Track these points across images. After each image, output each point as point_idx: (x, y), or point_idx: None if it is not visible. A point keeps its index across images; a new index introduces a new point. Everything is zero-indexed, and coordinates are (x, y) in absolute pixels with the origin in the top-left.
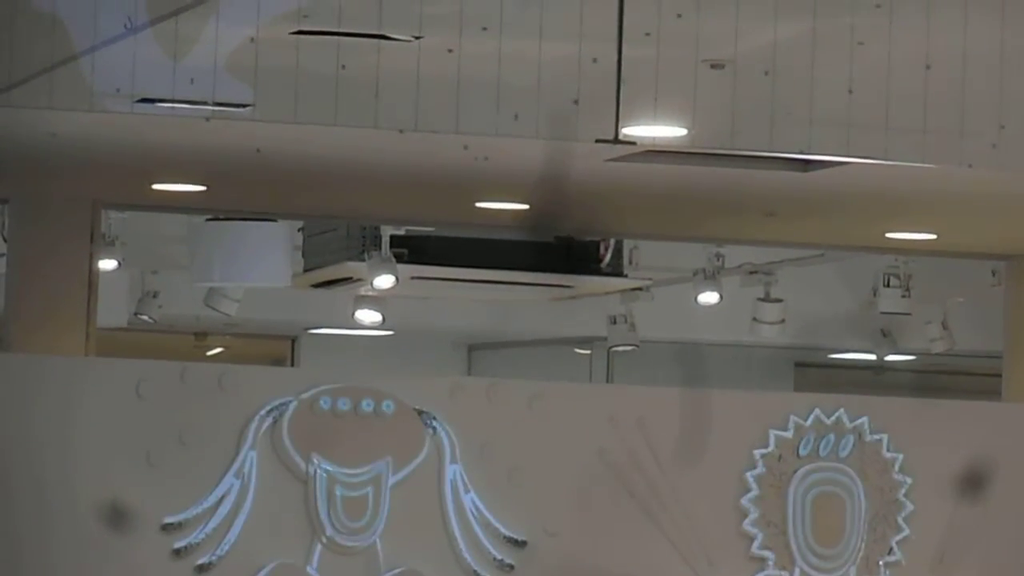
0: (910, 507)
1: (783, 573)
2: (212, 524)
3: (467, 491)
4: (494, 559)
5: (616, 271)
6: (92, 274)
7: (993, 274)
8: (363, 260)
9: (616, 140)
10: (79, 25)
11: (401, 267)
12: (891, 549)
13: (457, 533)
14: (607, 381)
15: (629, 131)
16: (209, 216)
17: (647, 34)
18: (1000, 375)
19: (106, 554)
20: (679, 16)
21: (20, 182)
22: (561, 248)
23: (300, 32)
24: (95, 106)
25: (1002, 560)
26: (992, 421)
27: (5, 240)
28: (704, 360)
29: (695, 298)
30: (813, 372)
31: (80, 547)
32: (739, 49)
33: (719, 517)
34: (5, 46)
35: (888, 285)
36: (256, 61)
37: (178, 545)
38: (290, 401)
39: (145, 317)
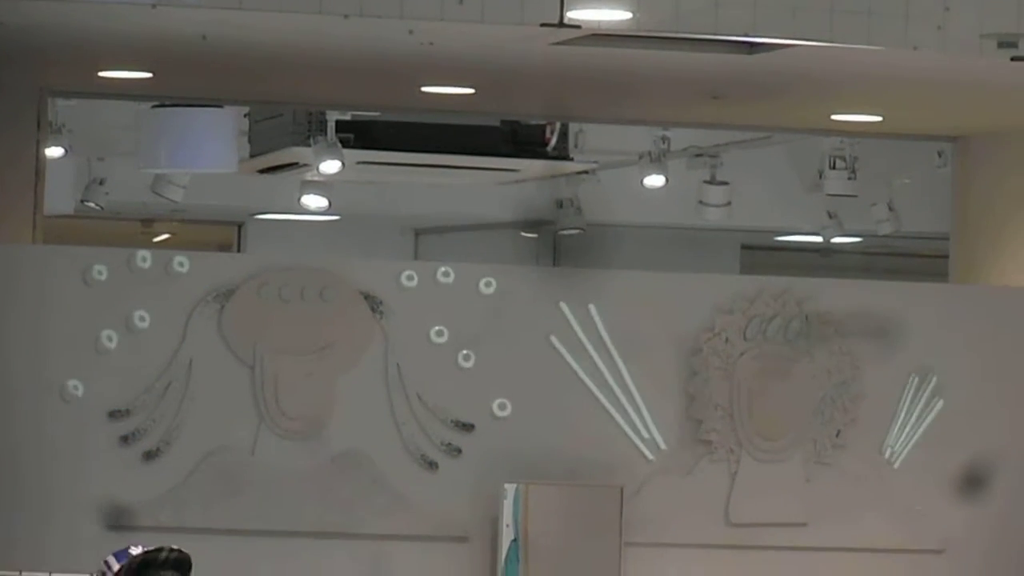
0: (858, 389)
1: (731, 455)
2: (159, 411)
3: (414, 375)
4: (442, 443)
5: (562, 155)
6: (39, 161)
7: (939, 155)
8: (309, 145)
9: (561, 24)
10: None
11: (347, 152)
12: (839, 432)
13: (404, 417)
14: (553, 264)
15: (574, 15)
16: (155, 103)
17: None
18: (947, 256)
19: (53, 441)
20: None
21: None
22: (507, 132)
23: None
24: None
25: (949, 438)
26: (938, 302)
27: None
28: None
29: (641, 181)
30: (759, 254)
31: (26, 434)
32: None
33: (667, 400)
34: None
35: (834, 167)
36: None
37: (125, 432)
38: (236, 287)
39: (92, 204)
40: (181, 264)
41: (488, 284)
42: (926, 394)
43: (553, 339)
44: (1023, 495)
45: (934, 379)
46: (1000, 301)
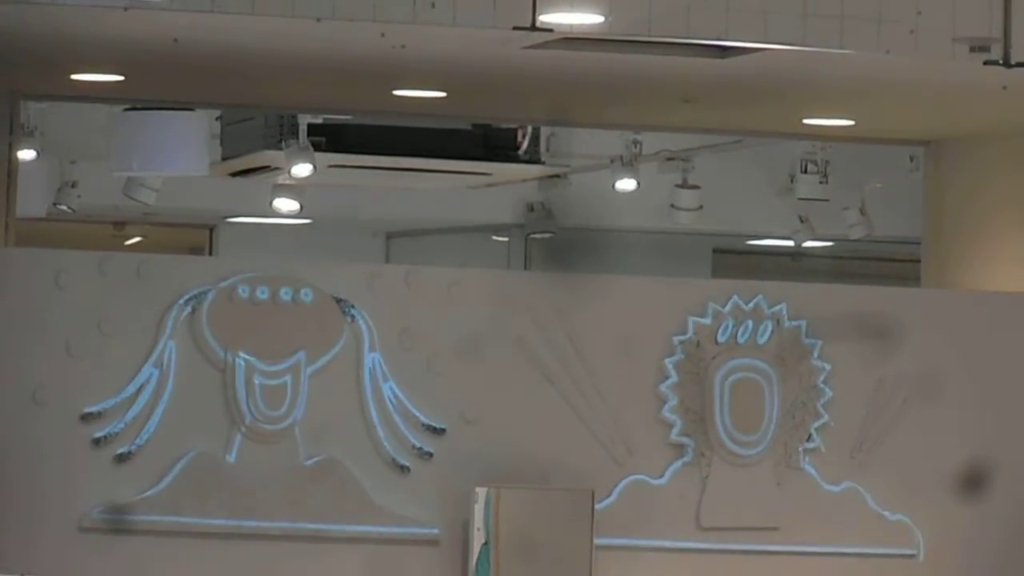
0: (829, 393)
1: (702, 459)
2: (131, 414)
3: (386, 379)
4: (413, 447)
5: (533, 158)
6: (11, 164)
7: (911, 160)
8: (281, 148)
9: (533, 27)
10: None
11: (319, 155)
12: (810, 435)
13: (376, 421)
14: (525, 268)
15: (546, 18)
16: (127, 106)
17: None
18: (919, 260)
19: (26, 444)
20: None
21: None
22: (478, 136)
23: None
24: None
25: (919, 443)
26: (910, 306)
27: None
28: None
29: (613, 185)
30: (731, 258)
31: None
32: None
33: (638, 404)
34: None
35: (806, 171)
36: None
37: (98, 435)
38: (208, 290)
39: (64, 207)
40: (153, 267)
41: (459, 288)
42: (897, 398)
43: (525, 343)
44: (996, 500)
45: (905, 383)
46: (971, 305)
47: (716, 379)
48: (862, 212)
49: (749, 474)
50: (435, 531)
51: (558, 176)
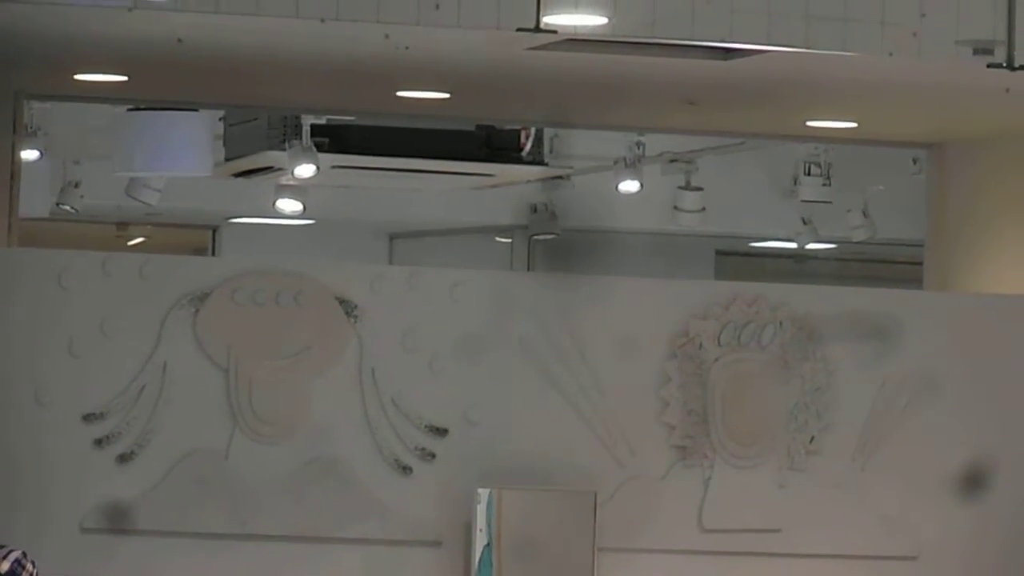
0: (831, 395)
1: (704, 462)
2: (133, 414)
3: (388, 380)
4: (415, 447)
5: (537, 160)
6: (14, 164)
7: (914, 162)
8: (284, 149)
9: (537, 29)
10: None
11: (322, 156)
12: (813, 438)
13: (378, 422)
14: (528, 269)
15: (550, 19)
16: (131, 106)
17: None
18: (921, 263)
19: (27, 445)
20: None
21: None
22: (482, 137)
23: None
24: None
25: (923, 444)
26: (913, 309)
27: None
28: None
29: (616, 186)
30: (734, 260)
31: (1, 438)
32: None
33: (640, 406)
34: None
35: (809, 173)
36: None
37: (99, 435)
38: (211, 291)
39: (67, 207)
40: (155, 267)
41: (462, 289)
42: (899, 400)
43: (527, 344)
44: (997, 501)
45: (907, 385)
46: (973, 308)
47: (719, 382)
48: (865, 214)
49: (751, 476)
50: (437, 532)
51: (561, 177)
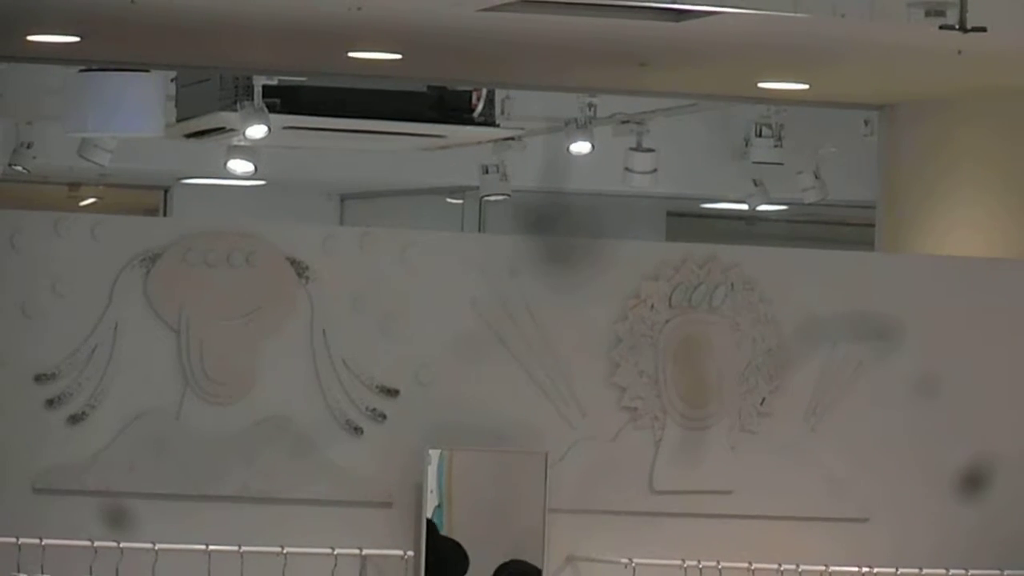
0: (783, 357)
1: (655, 423)
2: (85, 374)
3: (339, 341)
4: (366, 408)
5: (488, 121)
6: None
7: (866, 123)
8: (235, 110)
9: None
10: None
11: (273, 117)
12: (764, 400)
13: (329, 382)
14: (479, 231)
15: None
16: (83, 67)
17: None
18: (873, 225)
19: None
20: None
21: None
22: (433, 98)
23: None
24: None
25: (873, 405)
26: (863, 270)
27: None
28: (575, 209)
29: (567, 148)
30: (685, 222)
31: None
32: None
33: (591, 367)
34: None
35: (760, 135)
36: None
37: (51, 396)
38: (162, 251)
39: (19, 168)
40: (107, 228)
41: (414, 250)
42: (851, 362)
43: (478, 305)
44: (944, 464)
45: (858, 346)
46: (924, 269)
47: (670, 343)
48: (816, 176)
49: (703, 437)
50: (388, 493)
51: (512, 139)
